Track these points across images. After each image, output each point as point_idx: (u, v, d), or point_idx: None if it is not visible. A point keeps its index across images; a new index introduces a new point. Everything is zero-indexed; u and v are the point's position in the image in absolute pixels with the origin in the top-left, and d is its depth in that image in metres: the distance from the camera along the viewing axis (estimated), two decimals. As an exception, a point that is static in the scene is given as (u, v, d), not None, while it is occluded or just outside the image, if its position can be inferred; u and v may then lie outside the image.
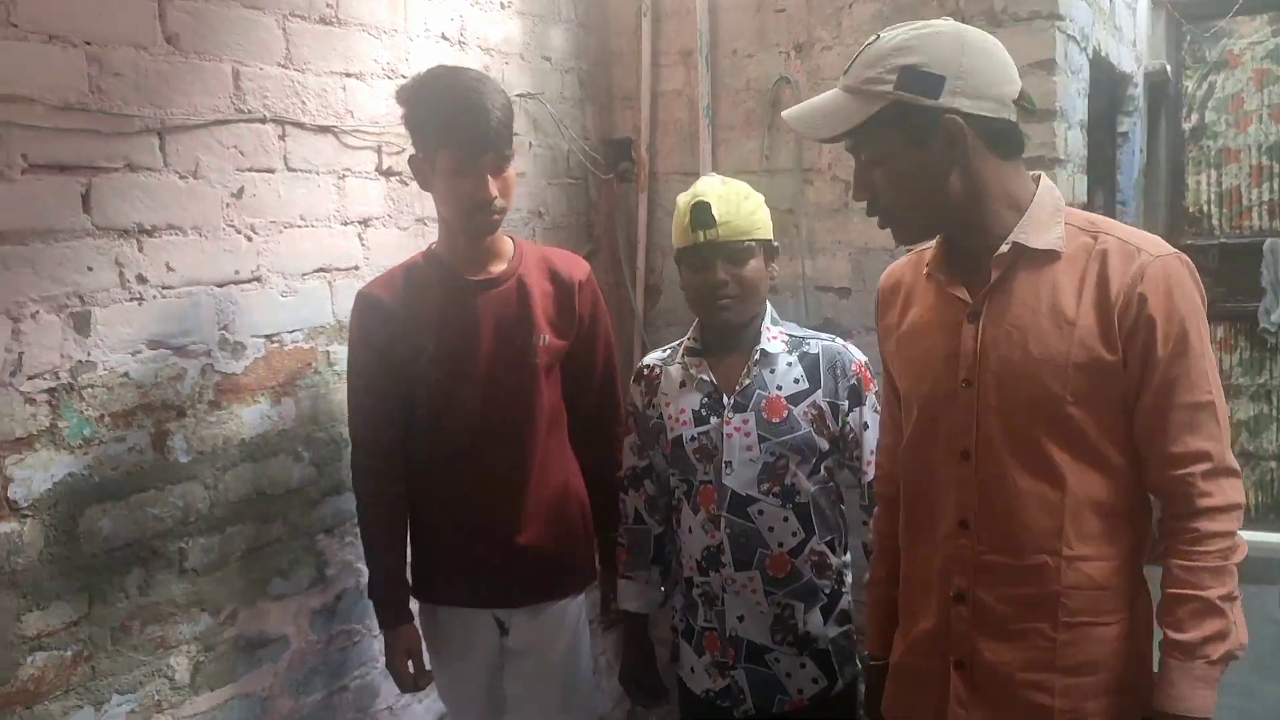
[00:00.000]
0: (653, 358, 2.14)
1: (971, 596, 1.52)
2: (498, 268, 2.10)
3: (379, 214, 2.47)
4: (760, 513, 1.96)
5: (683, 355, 2.05)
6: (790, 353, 1.99)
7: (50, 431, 1.78)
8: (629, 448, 2.17)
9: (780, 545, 1.96)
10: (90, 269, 1.83)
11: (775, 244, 2.02)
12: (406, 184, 2.51)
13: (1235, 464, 1.47)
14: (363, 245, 2.43)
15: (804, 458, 1.96)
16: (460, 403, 2.07)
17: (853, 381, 1.99)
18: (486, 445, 2.08)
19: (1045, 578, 1.47)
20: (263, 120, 2.15)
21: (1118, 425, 1.47)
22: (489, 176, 1.95)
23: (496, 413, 2.08)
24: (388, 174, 2.49)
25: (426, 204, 2.63)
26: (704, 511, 1.99)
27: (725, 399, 1.97)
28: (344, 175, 2.36)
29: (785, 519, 1.96)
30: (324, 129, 2.30)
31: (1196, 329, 1.44)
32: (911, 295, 1.64)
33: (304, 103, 2.25)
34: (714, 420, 1.97)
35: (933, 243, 1.63)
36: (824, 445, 1.97)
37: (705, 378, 2.00)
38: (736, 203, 1.92)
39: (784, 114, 1.57)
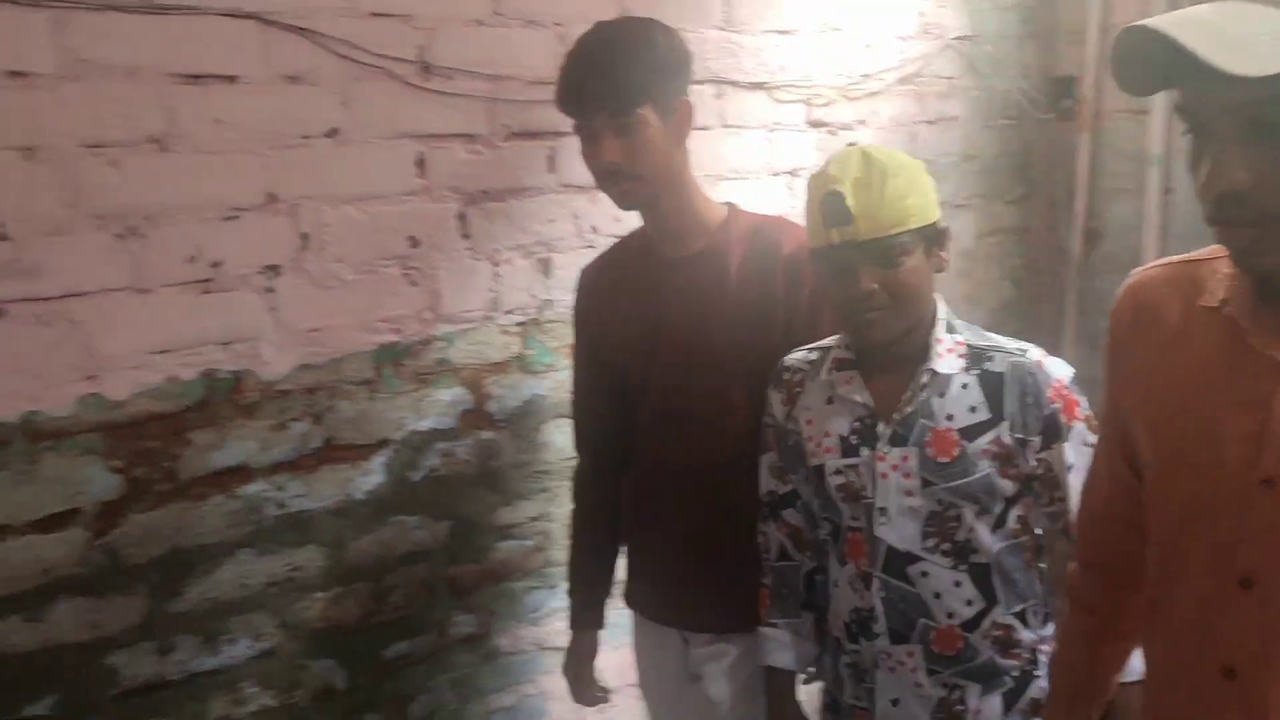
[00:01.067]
0: (796, 358, 1.67)
1: None
2: (698, 243, 1.73)
3: (808, 165, 2.58)
4: (924, 574, 1.52)
5: (831, 366, 1.60)
6: (968, 371, 1.52)
7: (519, 358, 2.13)
8: (766, 468, 1.72)
9: (950, 616, 1.52)
10: (552, 220, 2.14)
11: (942, 225, 1.50)
12: (835, 134, 2.61)
13: None
14: (790, 194, 2.57)
15: (983, 507, 1.51)
16: (649, 403, 1.80)
17: (1049, 410, 1.49)
18: (673, 454, 1.78)
19: None
20: (701, 81, 2.33)
21: None
22: (608, 140, 1.62)
23: (681, 416, 1.76)
24: (817, 125, 2.60)
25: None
26: (851, 565, 1.58)
27: (880, 427, 1.54)
28: (774, 129, 2.51)
29: (957, 584, 1.52)
30: (756, 85, 2.45)
31: None
32: (1177, 326, 1.15)
33: (739, 62, 2.41)
34: (865, 453, 1.54)
35: (1213, 261, 1.12)
36: (1009, 489, 1.51)
37: (858, 398, 1.56)
38: (879, 187, 1.43)
39: (1162, 26, 0.89)
